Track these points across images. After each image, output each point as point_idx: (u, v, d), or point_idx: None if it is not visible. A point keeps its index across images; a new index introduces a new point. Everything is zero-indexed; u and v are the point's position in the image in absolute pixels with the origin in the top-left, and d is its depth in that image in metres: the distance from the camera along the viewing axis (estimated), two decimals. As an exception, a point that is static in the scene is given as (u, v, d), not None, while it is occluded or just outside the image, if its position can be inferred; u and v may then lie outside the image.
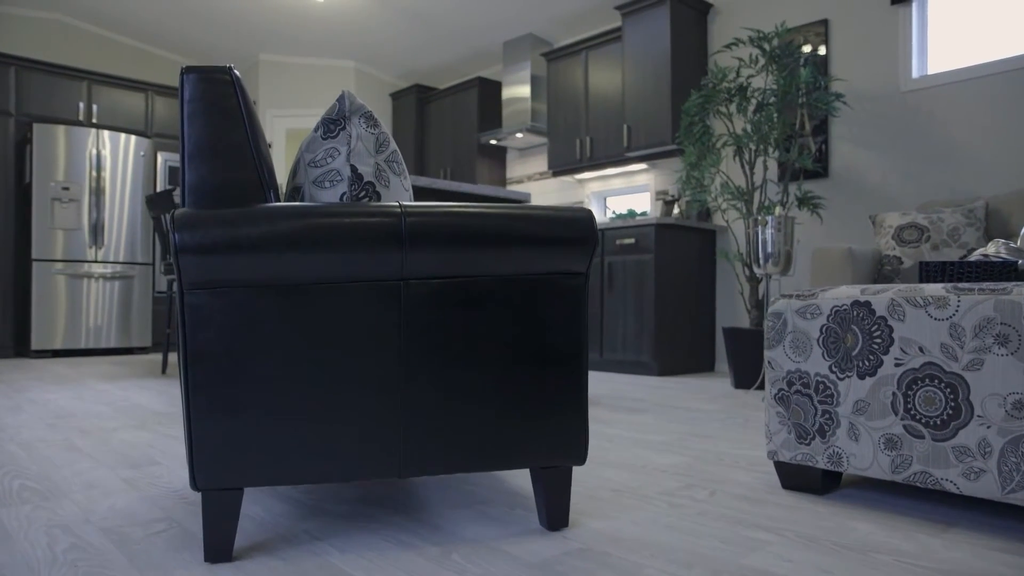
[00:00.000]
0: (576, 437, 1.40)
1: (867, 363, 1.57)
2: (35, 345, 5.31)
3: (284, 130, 6.59)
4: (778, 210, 3.41)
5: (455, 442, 1.33)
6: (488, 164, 6.06)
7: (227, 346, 1.23)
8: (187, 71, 1.31)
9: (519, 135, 5.60)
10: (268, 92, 6.58)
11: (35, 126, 5.36)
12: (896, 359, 1.52)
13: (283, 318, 1.25)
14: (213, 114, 1.30)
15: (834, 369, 1.63)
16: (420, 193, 3.05)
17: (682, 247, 4.45)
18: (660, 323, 4.28)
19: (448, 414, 1.33)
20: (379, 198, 1.43)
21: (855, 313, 1.60)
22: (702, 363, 4.59)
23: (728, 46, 3.88)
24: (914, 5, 3.89)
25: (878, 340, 1.56)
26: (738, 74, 3.81)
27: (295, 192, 1.47)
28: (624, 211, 5.04)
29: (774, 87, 3.77)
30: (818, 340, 1.66)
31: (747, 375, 3.70)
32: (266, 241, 1.22)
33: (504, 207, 1.37)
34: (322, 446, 1.27)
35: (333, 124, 1.42)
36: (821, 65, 4.18)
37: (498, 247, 1.33)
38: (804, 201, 3.79)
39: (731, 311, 4.60)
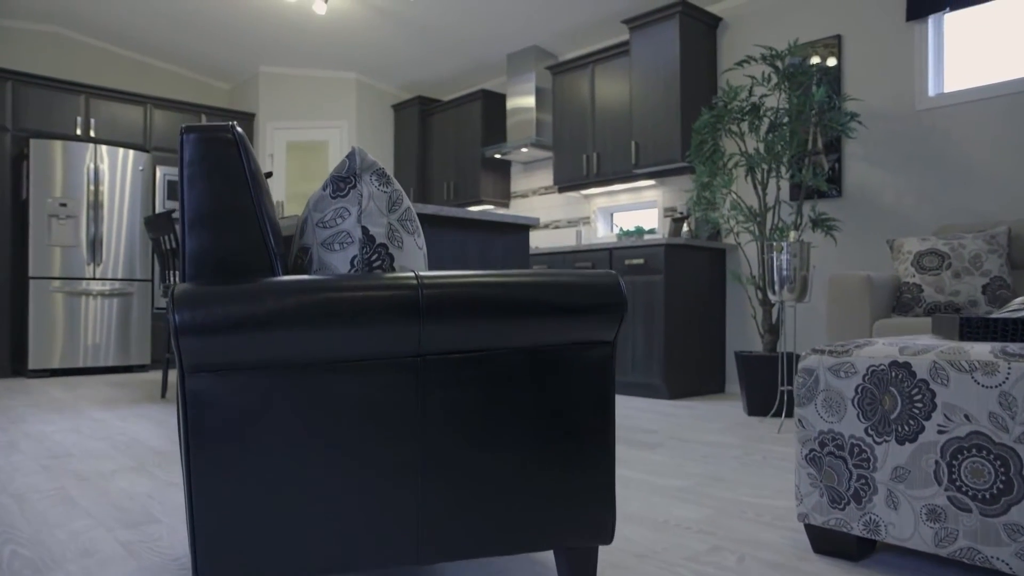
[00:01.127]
0: (603, 516, 1.31)
1: (907, 428, 1.48)
2: (32, 364, 5.23)
3: (285, 143, 6.50)
4: (793, 235, 3.33)
5: (476, 525, 1.24)
6: (492, 178, 5.98)
7: (233, 432, 1.14)
8: (187, 130, 1.23)
9: (524, 150, 5.52)
10: (268, 104, 6.50)
11: (32, 142, 5.27)
12: (939, 426, 1.44)
13: (292, 400, 1.16)
14: (215, 178, 1.21)
15: (871, 432, 1.54)
16: (427, 220, 2.97)
17: (692, 267, 4.36)
18: (670, 345, 4.20)
19: (469, 496, 1.24)
20: (392, 260, 1.34)
21: (893, 374, 1.51)
22: (712, 384, 4.51)
23: (740, 64, 3.79)
24: (930, 22, 3.81)
25: (919, 404, 1.47)
26: (750, 93, 3.73)
27: (303, 253, 1.38)
28: (632, 228, 4.96)
29: (786, 106, 3.69)
30: (853, 400, 1.57)
31: (760, 402, 3.61)
32: (273, 320, 1.13)
33: (527, 274, 1.29)
34: (337, 535, 1.18)
35: (343, 182, 1.34)
36: (834, 83, 4.09)
37: (521, 317, 1.25)
38: (818, 223, 3.70)
39: (741, 332, 4.51)
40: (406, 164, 6.63)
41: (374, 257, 1.32)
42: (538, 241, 5.86)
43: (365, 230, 1.32)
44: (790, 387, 3.46)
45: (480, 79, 6.39)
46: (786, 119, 3.69)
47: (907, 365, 1.50)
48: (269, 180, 6.36)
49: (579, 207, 5.54)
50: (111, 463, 2.51)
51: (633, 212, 5.27)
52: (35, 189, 5.27)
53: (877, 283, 3.09)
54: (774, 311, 4.07)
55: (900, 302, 3.14)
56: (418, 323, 1.19)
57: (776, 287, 3.32)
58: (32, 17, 5.78)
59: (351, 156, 1.35)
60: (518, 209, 6.05)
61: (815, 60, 4.17)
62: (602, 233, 5.38)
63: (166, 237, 4.03)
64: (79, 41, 6.11)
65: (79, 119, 5.65)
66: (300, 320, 1.14)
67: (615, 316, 1.31)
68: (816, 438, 1.63)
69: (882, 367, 1.53)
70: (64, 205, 5.38)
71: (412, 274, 1.22)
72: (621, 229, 4.99)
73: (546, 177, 5.81)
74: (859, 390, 1.57)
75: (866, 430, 1.55)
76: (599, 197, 5.37)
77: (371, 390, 1.19)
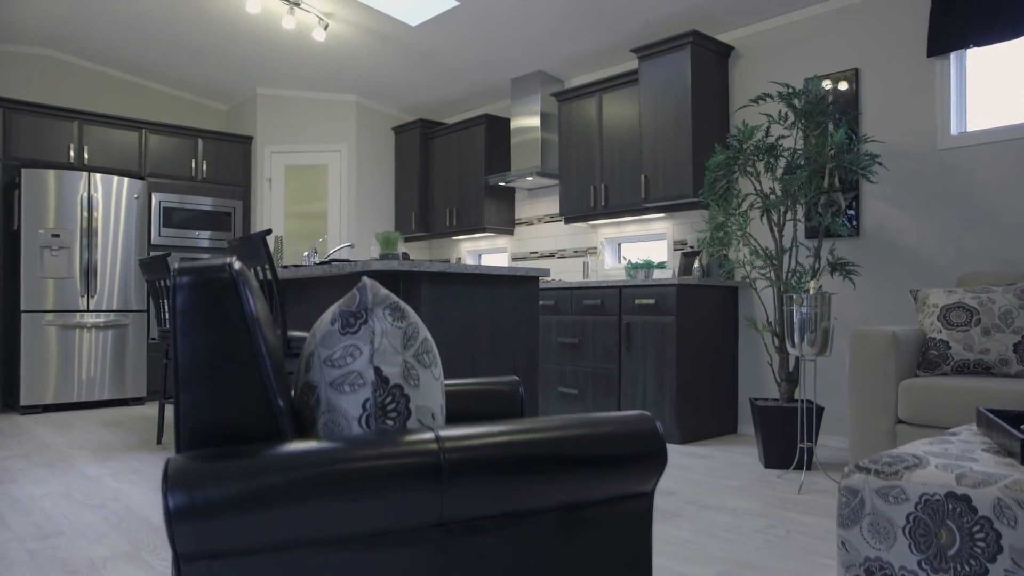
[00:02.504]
0: None
1: (968, 568, 1.36)
2: (24, 400, 5.09)
3: (283, 166, 6.36)
4: (812, 285, 3.20)
5: None
6: (496, 205, 5.85)
7: (230, 625, 1.01)
8: (180, 273, 1.10)
9: (529, 178, 5.39)
10: (266, 127, 6.36)
11: (24, 171, 5.13)
12: (1006, 570, 1.31)
13: (297, 586, 1.03)
14: (211, 329, 1.09)
15: (925, 566, 1.42)
16: (434, 279, 2.84)
17: (704, 307, 4.24)
18: (682, 389, 4.07)
19: (493, 677, 1.11)
20: (407, 401, 1.22)
21: (951, 507, 1.39)
22: (725, 425, 4.39)
23: (755, 100, 3.66)
24: (952, 58, 3.68)
25: (981, 544, 1.35)
26: (767, 133, 3.60)
27: (308, 391, 1.25)
28: (641, 261, 4.83)
29: (803, 147, 3.56)
30: (904, 530, 1.45)
31: (777, 453, 3.49)
32: (279, 498, 1.00)
33: (559, 425, 1.16)
34: None
35: (353, 317, 1.21)
36: (852, 120, 3.96)
37: (553, 475, 1.12)
38: (837, 267, 3.58)
39: (755, 375, 4.39)
40: (407, 188, 6.50)
41: (388, 400, 1.20)
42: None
43: (378, 371, 1.19)
44: (810, 444, 3.33)
45: (483, 101, 6.26)
46: (802, 160, 3.56)
47: (966, 499, 1.37)
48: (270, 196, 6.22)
49: (586, 237, 5.42)
50: (104, 547, 2.38)
51: (642, 243, 5.15)
52: (27, 220, 5.13)
53: (902, 340, 2.96)
54: (791, 358, 3.95)
55: (926, 359, 3.02)
56: (439, 490, 1.06)
57: (795, 340, 3.20)
58: (25, 41, 5.64)
59: (362, 290, 1.22)
60: (522, 236, 5.92)
61: (832, 96, 4.04)
62: (609, 264, 5.26)
63: (161, 281, 3.90)
64: (73, 64, 5.97)
65: (72, 146, 5.51)
66: (308, 496, 1.01)
67: (655, 466, 1.18)
68: (861, 564, 1.51)
69: (937, 497, 1.41)
70: (57, 236, 5.24)
71: (432, 435, 1.09)
72: (630, 262, 4.86)
73: (551, 205, 5.69)
74: (911, 519, 1.44)
75: (919, 563, 1.43)
76: (606, 227, 5.25)
77: (387, 566, 1.07)
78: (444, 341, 2.90)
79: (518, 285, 3.18)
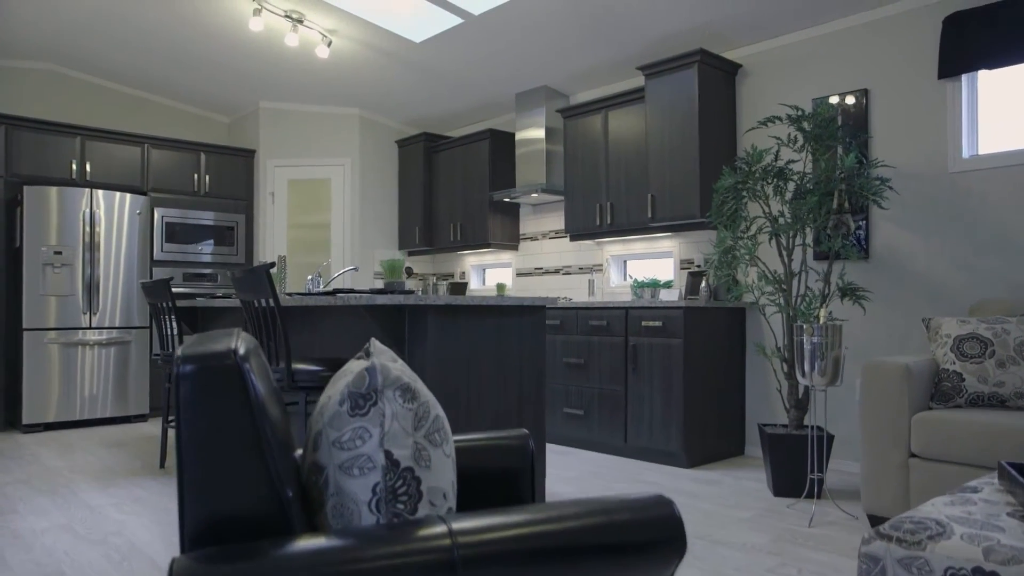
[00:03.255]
0: None
1: (996, 646, 1.32)
2: (27, 419, 5.06)
3: (286, 180, 6.33)
4: (823, 314, 3.16)
5: None
6: (500, 220, 5.81)
7: None
8: (184, 360, 1.06)
9: (534, 195, 5.35)
10: (268, 140, 6.32)
11: (26, 188, 5.10)
12: (1036, 652, 1.27)
13: None
14: (216, 421, 1.05)
15: (951, 640, 1.38)
16: (441, 311, 2.80)
17: (711, 329, 4.19)
18: (689, 412, 4.03)
19: None
20: (419, 484, 1.18)
21: (979, 581, 1.35)
22: (732, 447, 4.34)
23: (764, 123, 3.62)
24: (964, 81, 3.63)
25: (1011, 622, 1.30)
26: (776, 157, 3.56)
27: (316, 471, 1.21)
28: (647, 279, 4.79)
29: (812, 171, 3.52)
30: (930, 602, 1.41)
31: (787, 481, 3.44)
32: (284, 603, 0.96)
33: (574, 513, 1.12)
34: None
35: (363, 399, 1.17)
36: (862, 145, 3.91)
37: (567, 566, 1.08)
38: (847, 292, 3.53)
39: (763, 397, 4.34)
40: (411, 202, 6.46)
41: (398, 483, 1.16)
42: (549, 286, 5.69)
43: (388, 454, 1.15)
44: (821, 475, 3.29)
45: (488, 115, 6.22)
46: (812, 184, 3.52)
47: None
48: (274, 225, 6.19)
49: (591, 253, 5.37)
50: (105, 589, 2.34)
51: (648, 261, 5.10)
52: (29, 238, 5.10)
53: (915, 372, 2.92)
54: (800, 385, 3.90)
55: (939, 391, 2.97)
56: (452, 587, 1.02)
57: (806, 370, 3.15)
58: (27, 56, 5.61)
59: (371, 372, 1.18)
60: (527, 252, 5.88)
61: (841, 116, 4.00)
62: (615, 282, 5.21)
63: (164, 304, 3.86)
64: (74, 78, 5.94)
65: (74, 162, 5.48)
66: (316, 600, 0.97)
67: (674, 553, 1.14)
68: (885, 634, 1.47)
69: (964, 572, 1.37)
70: (59, 253, 5.21)
71: (444, 528, 1.05)
72: (636, 281, 4.81)
73: (556, 220, 5.64)
74: (937, 591, 1.40)
75: (945, 637, 1.38)
76: (612, 245, 5.21)
77: (398, 668, 1.03)
78: (450, 372, 2.86)
79: (525, 315, 3.14)
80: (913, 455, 2.86)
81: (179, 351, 1.09)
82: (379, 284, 6.46)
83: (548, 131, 5.36)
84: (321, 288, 3.74)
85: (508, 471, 1.80)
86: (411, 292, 3.04)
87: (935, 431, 2.76)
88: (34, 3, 4.65)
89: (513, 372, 3.10)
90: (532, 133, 5.44)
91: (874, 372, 2.98)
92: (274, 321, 2.81)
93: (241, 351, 1.10)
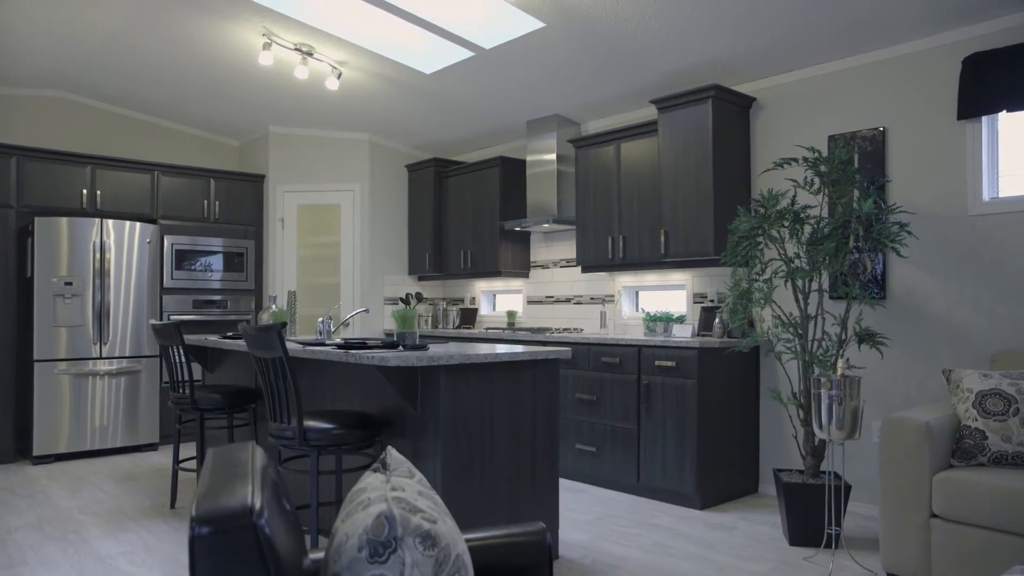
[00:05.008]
0: None
1: None
2: (37, 450, 5.06)
3: (296, 206, 6.31)
4: (840, 365, 3.10)
5: None
6: (511, 248, 5.77)
7: None
8: (199, 522, 1.03)
9: (545, 225, 5.31)
10: (278, 165, 6.31)
11: (37, 220, 5.10)
12: None
13: None
14: (231, 586, 1.01)
15: None
16: (455, 371, 2.77)
17: (725, 369, 4.15)
18: (703, 451, 3.98)
19: None
20: (438, 631, 1.14)
21: None
22: (746, 485, 4.30)
23: (779, 164, 3.58)
24: (984, 122, 3.57)
25: None
26: (793, 202, 3.51)
27: (332, 615, 1.18)
28: (659, 312, 4.75)
29: (827, 216, 3.47)
30: None
31: (804, 531, 3.39)
32: None
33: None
34: None
35: (382, 547, 1.13)
36: (880, 189, 3.85)
37: None
38: (865, 338, 3.48)
39: (777, 438, 4.29)
40: (421, 228, 6.43)
41: (418, 634, 1.12)
42: (560, 315, 5.65)
43: (407, 605, 1.12)
44: (838, 529, 3.24)
45: (499, 140, 6.19)
46: (828, 230, 3.46)
47: None
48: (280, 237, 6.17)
49: (603, 284, 5.33)
50: (116, 662, 2.31)
51: (660, 293, 5.05)
52: (40, 268, 5.10)
53: (936, 429, 2.86)
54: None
55: (961, 448, 2.91)
56: None
57: (823, 422, 3.10)
58: (38, 84, 5.61)
59: (391, 520, 1.15)
60: (538, 280, 5.84)
61: (858, 155, 3.94)
62: (627, 313, 5.17)
63: (174, 348, 3.84)
64: (84, 104, 5.94)
65: (85, 191, 5.48)
66: None
67: None
68: None
69: None
70: (70, 284, 5.20)
71: None
72: (648, 314, 4.77)
73: (567, 249, 5.60)
74: None
75: None
76: (624, 275, 5.16)
77: None
78: (463, 428, 2.83)
79: (538, 368, 3.10)
80: (935, 515, 2.81)
81: (194, 508, 1.06)
82: (389, 310, 6.43)
83: (559, 158, 5.32)
84: (332, 330, 3.72)
85: (526, 568, 1.77)
86: (424, 347, 3.01)
87: (958, 494, 2.71)
88: (46, 34, 4.64)
89: (526, 426, 3.06)
90: (543, 162, 5.40)
91: (893, 429, 2.93)
92: (285, 378, 2.78)
93: (257, 505, 1.07)
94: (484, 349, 3.13)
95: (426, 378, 2.81)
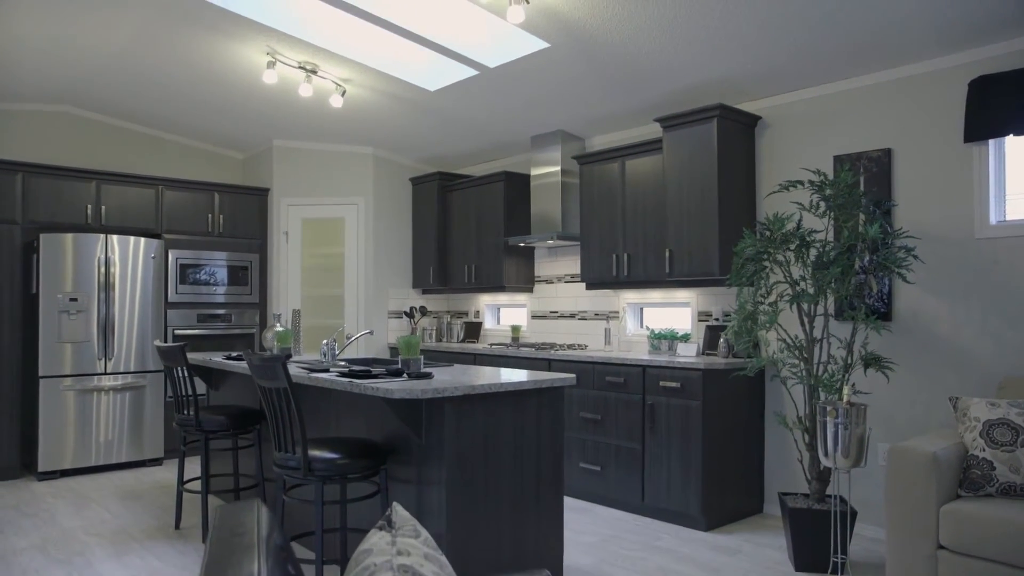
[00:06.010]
0: None
1: None
2: (43, 466, 5.07)
3: (300, 219, 6.31)
4: (846, 392, 3.09)
5: None
6: (515, 263, 5.76)
7: None
8: (203, 604, 1.02)
9: (549, 241, 5.30)
10: (282, 179, 6.31)
11: (42, 236, 5.12)
12: None
13: None
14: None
15: None
16: (460, 401, 2.76)
17: (730, 391, 4.13)
18: (708, 473, 3.97)
19: None
20: None
21: None
22: (751, 505, 4.28)
23: (785, 188, 3.56)
24: (991, 145, 3.55)
25: None
26: (799, 227, 3.50)
27: None
28: (664, 330, 4.74)
29: (833, 241, 3.45)
30: None
31: (810, 557, 3.38)
32: None
33: None
34: None
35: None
36: (886, 214, 3.83)
37: None
38: (871, 363, 3.46)
39: (782, 459, 4.27)
40: (425, 241, 6.43)
41: None
42: (564, 330, 5.64)
43: None
44: (844, 557, 3.23)
45: (503, 154, 6.18)
46: (834, 253, 3.45)
47: None
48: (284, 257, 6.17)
49: (607, 300, 5.32)
50: None
51: (665, 309, 5.04)
52: (45, 285, 5.11)
53: (943, 460, 2.85)
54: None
55: (968, 478, 2.90)
56: None
57: (829, 450, 3.09)
58: (43, 99, 5.62)
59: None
60: (542, 294, 5.83)
61: (864, 176, 3.92)
62: (631, 330, 5.16)
63: (179, 369, 3.85)
64: (89, 119, 5.96)
65: (89, 207, 5.49)
66: None
67: None
68: None
69: None
70: (75, 300, 5.21)
71: None
72: (653, 332, 4.76)
73: (572, 264, 5.59)
74: None
75: None
76: (629, 291, 5.15)
77: None
78: (467, 456, 2.82)
79: (543, 395, 3.09)
80: (942, 547, 2.79)
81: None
82: (394, 324, 6.43)
83: (563, 173, 5.32)
84: (337, 353, 3.71)
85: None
86: (428, 375, 3.00)
87: (966, 527, 2.69)
88: (54, 50, 4.65)
89: (531, 453, 3.05)
90: (547, 175, 5.39)
91: (900, 458, 2.91)
92: (289, 407, 2.78)
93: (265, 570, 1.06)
94: (489, 374, 3.13)
95: (431, 408, 2.80)
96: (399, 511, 1.56)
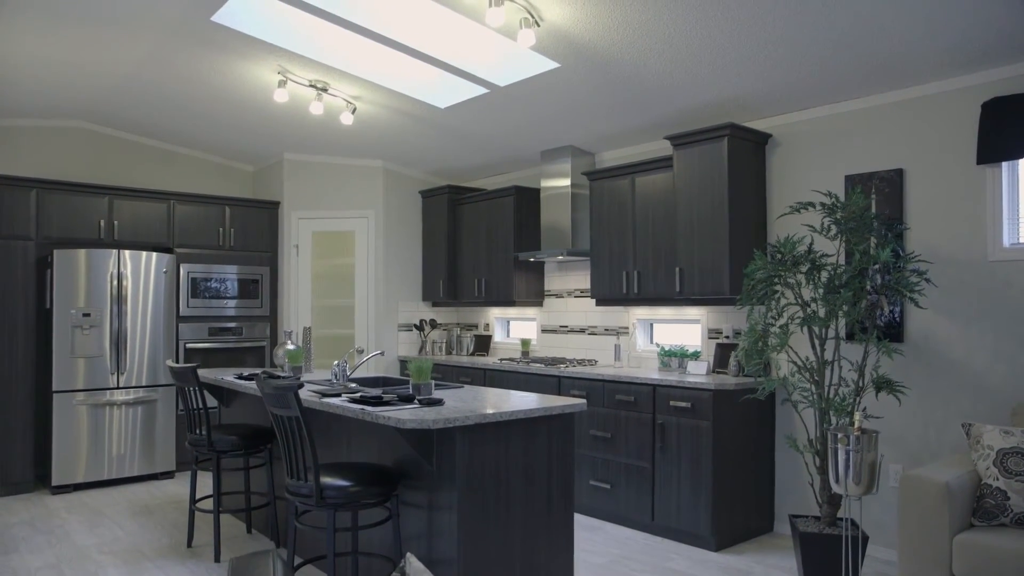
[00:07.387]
0: None
1: None
2: (56, 480, 5.12)
3: (310, 232, 6.34)
4: (857, 419, 3.07)
5: None
6: (525, 277, 5.77)
7: None
8: None
9: (559, 257, 5.31)
10: (292, 192, 6.34)
11: (56, 252, 5.16)
12: None
13: None
14: None
15: None
16: (471, 429, 2.77)
17: (740, 410, 4.13)
18: (718, 493, 3.97)
19: None
20: None
21: None
22: (761, 523, 4.27)
23: (796, 209, 3.56)
24: (1004, 168, 3.53)
25: None
26: (810, 250, 3.49)
27: None
28: (674, 347, 4.74)
29: (844, 264, 3.44)
30: None
31: (821, 581, 3.37)
32: None
33: None
34: None
35: None
36: (898, 237, 3.81)
37: None
38: (883, 386, 3.45)
39: (793, 480, 4.26)
40: (435, 254, 6.45)
41: None
42: (574, 345, 5.64)
43: None
44: (857, 583, 3.21)
45: (513, 167, 6.19)
46: (846, 277, 3.43)
47: None
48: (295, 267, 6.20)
49: (617, 316, 5.32)
50: None
51: (675, 326, 5.03)
52: (59, 300, 5.16)
53: (956, 489, 2.83)
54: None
55: (982, 507, 2.88)
56: None
57: (840, 476, 3.07)
58: (58, 115, 5.68)
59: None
60: (552, 309, 5.83)
61: (875, 197, 3.91)
62: (641, 346, 5.15)
63: (191, 390, 3.87)
64: (102, 133, 6.01)
65: (102, 222, 5.53)
66: None
67: None
68: None
69: None
70: (88, 315, 5.26)
71: None
72: (662, 348, 4.76)
73: (582, 279, 5.59)
74: None
75: None
76: (639, 308, 5.14)
77: None
78: (478, 484, 2.83)
79: (553, 421, 3.10)
80: (954, 577, 2.78)
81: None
82: (403, 336, 6.45)
83: (574, 187, 5.32)
84: (349, 374, 3.73)
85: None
86: (439, 401, 3.01)
87: (980, 558, 2.68)
88: (70, 69, 4.69)
89: (542, 477, 3.06)
90: (557, 191, 5.40)
91: (913, 487, 2.90)
92: (301, 435, 2.79)
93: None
94: (499, 399, 3.13)
95: (442, 436, 2.81)
96: (413, 563, 1.56)
